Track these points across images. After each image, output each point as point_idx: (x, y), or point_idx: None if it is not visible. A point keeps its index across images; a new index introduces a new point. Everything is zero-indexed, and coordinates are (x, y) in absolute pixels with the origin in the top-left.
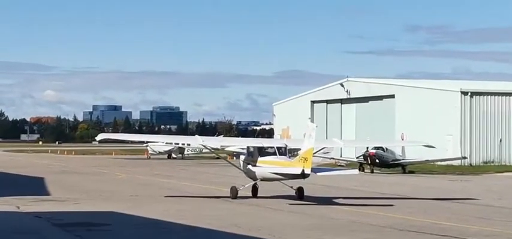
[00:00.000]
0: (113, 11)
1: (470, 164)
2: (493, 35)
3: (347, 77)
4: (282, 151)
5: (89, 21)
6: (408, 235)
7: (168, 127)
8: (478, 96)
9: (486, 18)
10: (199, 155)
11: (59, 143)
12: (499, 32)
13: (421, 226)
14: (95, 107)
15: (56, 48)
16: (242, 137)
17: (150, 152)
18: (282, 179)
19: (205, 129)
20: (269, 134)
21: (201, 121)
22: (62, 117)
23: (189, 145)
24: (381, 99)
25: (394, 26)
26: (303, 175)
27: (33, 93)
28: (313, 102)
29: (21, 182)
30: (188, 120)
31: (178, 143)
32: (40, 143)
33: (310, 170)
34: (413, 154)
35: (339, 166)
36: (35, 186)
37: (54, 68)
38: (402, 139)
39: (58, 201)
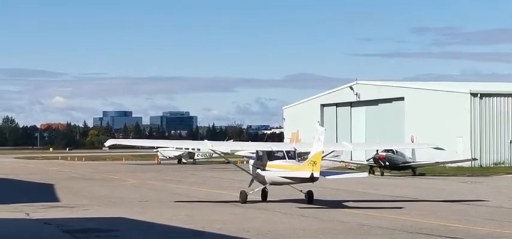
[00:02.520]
0: (121, 16)
1: (481, 166)
2: (502, 36)
3: (356, 80)
4: (291, 155)
5: (97, 27)
6: (418, 237)
7: (178, 132)
8: (487, 98)
9: (494, 19)
10: (210, 160)
11: (69, 149)
12: (507, 33)
13: (431, 228)
14: (105, 113)
15: (64, 54)
16: (252, 141)
17: (160, 157)
18: (291, 183)
19: (216, 134)
20: (279, 138)
21: (211, 125)
22: (72, 123)
23: (199, 149)
24: (391, 102)
25: (402, 28)
26: (312, 179)
27: (42, 100)
28: (322, 105)
29: (31, 188)
30: (198, 125)
31: (188, 148)
32: (50, 149)
33: (319, 173)
34: (424, 156)
35: (349, 169)
36: (45, 193)
37: (62, 74)
38: (412, 141)
39: (67, 207)
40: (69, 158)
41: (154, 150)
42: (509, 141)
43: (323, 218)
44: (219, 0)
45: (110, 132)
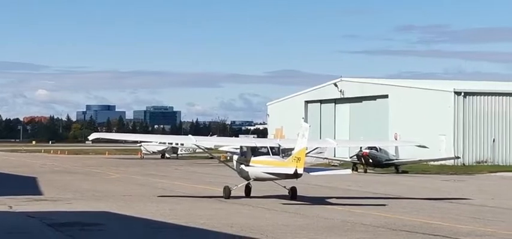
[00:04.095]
0: (105, 10)
1: (464, 164)
2: (486, 35)
3: (341, 77)
4: (275, 151)
5: (81, 21)
6: (401, 234)
7: (161, 126)
8: (471, 96)
9: (479, 19)
10: (193, 155)
11: (52, 142)
12: (492, 32)
13: (414, 226)
14: (88, 107)
15: (47, 47)
16: (236, 137)
17: (143, 152)
18: (275, 179)
19: (199, 129)
20: (263, 134)
21: (194, 120)
22: (55, 117)
23: (182, 144)
24: (375, 99)
25: (387, 25)
26: (296, 175)
27: (25, 93)
28: (307, 102)
29: (14, 181)
30: (182, 120)
31: (171, 143)
32: (33, 142)
33: (303, 170)
34: (407, 154)
35: (332, 165)
36: (28, 186)
37: (46, 67)
38: (395, 139)
39: (51, 201)
40: (52, 152)
41: (138, 144)
42: (492, 140)
43: (306, 214)
44: None
45: (93, 126)
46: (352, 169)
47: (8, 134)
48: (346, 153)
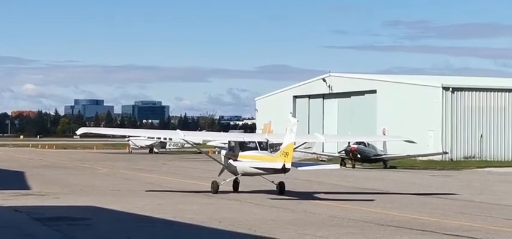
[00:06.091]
0: (93, 5)
1: (451, 160)
2: (474, 30)
3: (329, 72)
4: (263, 146)
5: (69, 15)
6: (389, 229)
7: (150, 121)
8: (459, 92)
9: (467, 14)
10: (181, 149)
11: (40, 137)
12: (479, 28)
13: (402, 221)
14: (76, 101)
15: (35, 41)
16: (224, 131)
17: (131, 146)
18: (263, 174)
19: (188, 124)
20: (251, 129)
21: (183, 115)
22: (43, 111)
23: (170, 139)
24: (363, 95)
25: (375, 21)
26: (284, 170)
27: (13, 87)
28: (295, 97)
29: (1, 176)
30: (170, 114)
31: (160, 138)
32: (21, 137)
33: (291, 164)
34: (395, 149)
35: (321, 160)
36: (15, 180)
37: (34, 61)
38: (384, 134)
39: (38, 195)
40: (39, 146)
41: (126, 139)
42: (479, 135)
43: (294, 209)
44: None
45: (81, 120)
46: (341, 164)
47: None
48: (334, 148)
